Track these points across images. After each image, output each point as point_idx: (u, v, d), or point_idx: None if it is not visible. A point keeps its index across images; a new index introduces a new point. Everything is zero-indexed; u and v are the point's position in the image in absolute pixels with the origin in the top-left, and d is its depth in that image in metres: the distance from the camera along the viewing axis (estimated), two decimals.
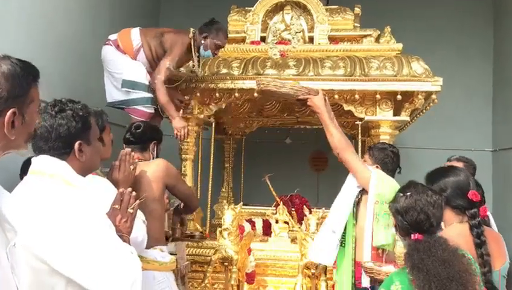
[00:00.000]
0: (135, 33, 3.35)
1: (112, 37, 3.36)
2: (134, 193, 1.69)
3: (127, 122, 3.60)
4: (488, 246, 1.97)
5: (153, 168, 2.40)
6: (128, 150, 2.16)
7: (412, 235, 1.78)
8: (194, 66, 3.50)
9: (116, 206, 1.65)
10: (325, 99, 2.88)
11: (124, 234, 1.58)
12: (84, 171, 1.59)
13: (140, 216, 1.94)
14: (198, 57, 3.45)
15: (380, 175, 2.58)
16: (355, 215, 2.63)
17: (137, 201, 1.70)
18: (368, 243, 2.51)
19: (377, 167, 2.67)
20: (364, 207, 2.58)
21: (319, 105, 2.70)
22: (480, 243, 1.96)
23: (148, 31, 3.41)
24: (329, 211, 3.52)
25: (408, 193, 1.87)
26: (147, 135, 2.56)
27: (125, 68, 3.28)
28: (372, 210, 2.53)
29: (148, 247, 2.29)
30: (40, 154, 1.53)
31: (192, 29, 3.38)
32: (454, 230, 2.01)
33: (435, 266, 1.63)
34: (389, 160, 2.72)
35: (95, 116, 1.67)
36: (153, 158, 2.58)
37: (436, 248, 1.67)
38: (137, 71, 3.29)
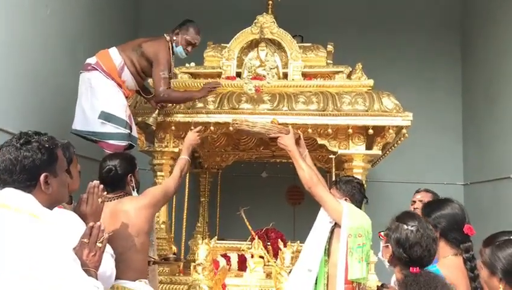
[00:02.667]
0: (114, 52, 3.30)
1: (92, 60, 3.27)
2: (103, 227, 1.68)
3: (94, 154, 3.55)
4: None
5: (138, 200, 2.48)
6: (96, 182, 2.14)
7: (411, 268, 1.77)
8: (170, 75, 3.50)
9: (85, 240, 1.63)
10: (299, 137, 2.94)
11: (90, 268, 1.55)
12: (51, 204, 1.56)
13: (108, 250, 1.92)
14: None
15: (352, 208, 2.61)
16: (327, 251, 2.63)
17: (106, 235, 1.68)
18: (341, 277, 2.50)
19: (345, 199, 2.70)
20: (337, 242, 2.58)
21: (288, 143, 2.79)
22: (474, 277, 1.98)
23: (126, 46, 3.38)
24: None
25: (413, 227, 1.84)
26: (120, 174, 2.53)
27: (107, 100, 3.20)
28: (346, 244, 2.53)
29: (134, 279, 2.34)
30: (4, 187, 1.50)
31: (167, 37, 3.43)
32: (451, 263, 2.04)
33: None
34: (356, 191, 2.76)
35: (62, 148, 1.65)
36: (133, 189, 2.59)
37: (436, 283, 1.69)
38: (119, 105, 3.23)
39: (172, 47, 3.45)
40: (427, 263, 1.83)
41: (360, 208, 2.76)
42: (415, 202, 3.27)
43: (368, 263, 2.65)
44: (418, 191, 3.36)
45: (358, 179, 2.92)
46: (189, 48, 3.50)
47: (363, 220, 2.62)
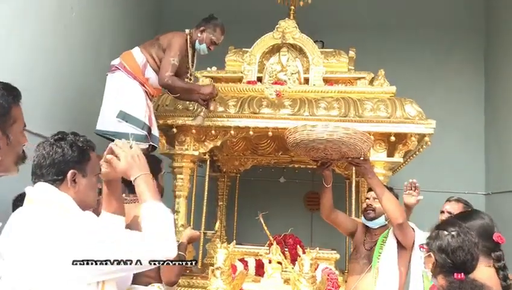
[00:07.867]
0: (136, 51, 3.34)
1: (116, 62, 3.31)
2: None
3: None
4: None
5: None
6: None
7: (456, 274, 1.75)
8: (188, 67, 3.47)
9: None
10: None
11: None
12: (77, 204, 1.52)
13: None
14: (193, 55, 3.47)
15: (419, 232, 2.64)
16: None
17: None
18: None
19: None
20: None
21: (371, 170, 2.68)
22: (507, 286, 1.95)
23: (146, 44, 3.40)
24: (325, 252, 3.51)
25: (454, 232, 1.83)
26: None
27: (127, 99, 3.22)
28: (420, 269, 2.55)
29: (146, 284, 2.31)
30: (35, 181, 1.51)
31: (187, 30, 3.42)
32: (482, 275, 1.96)
33: None
34: None
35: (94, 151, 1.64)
36: None
37: (484, 289, 1.68)
38: (138, 106, 3.23)
39: (193, 42, 3.42)
40: (470, 268, 1.79)
41: None
42: (443, 212, 3.10)
43: None
44: (448, 200, 3.18)
45: None
46: (212, 47, 3.47)
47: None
